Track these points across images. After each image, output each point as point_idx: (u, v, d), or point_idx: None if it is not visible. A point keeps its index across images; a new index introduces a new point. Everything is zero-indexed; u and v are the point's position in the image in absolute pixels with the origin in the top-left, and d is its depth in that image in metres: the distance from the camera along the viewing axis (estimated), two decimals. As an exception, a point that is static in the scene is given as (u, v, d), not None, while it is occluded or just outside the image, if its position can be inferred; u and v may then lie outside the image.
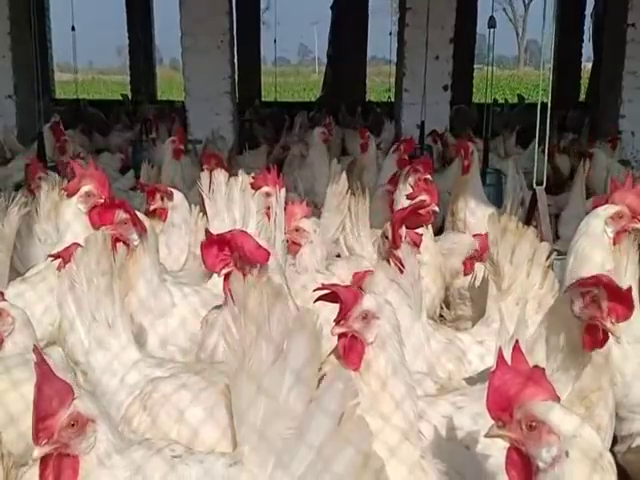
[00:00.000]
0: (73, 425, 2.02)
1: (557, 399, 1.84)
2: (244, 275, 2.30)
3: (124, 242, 3.31)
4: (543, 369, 1.91)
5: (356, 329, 2.38)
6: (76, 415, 2.02)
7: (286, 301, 2.15)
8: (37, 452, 1.99)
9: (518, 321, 2.40)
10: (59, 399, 2.02)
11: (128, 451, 2.10)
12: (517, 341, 1.96)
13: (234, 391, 2.19)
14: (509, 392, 1.83)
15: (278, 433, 1.98)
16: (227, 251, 2.82)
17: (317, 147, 8.22)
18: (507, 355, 1.93)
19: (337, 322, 2.40)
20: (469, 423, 2.50)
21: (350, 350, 2.37)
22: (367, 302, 2.40)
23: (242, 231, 2.94)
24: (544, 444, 1.76)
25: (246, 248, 2.80)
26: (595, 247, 3.37)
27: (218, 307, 3.00)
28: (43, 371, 2.06)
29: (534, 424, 1.78)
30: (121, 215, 3.32)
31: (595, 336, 2.53)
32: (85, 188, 3.89)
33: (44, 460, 2.03)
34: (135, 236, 3.35)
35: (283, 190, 3.72)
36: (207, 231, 3.05)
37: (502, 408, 1.83)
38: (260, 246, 2.85)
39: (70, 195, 3.93)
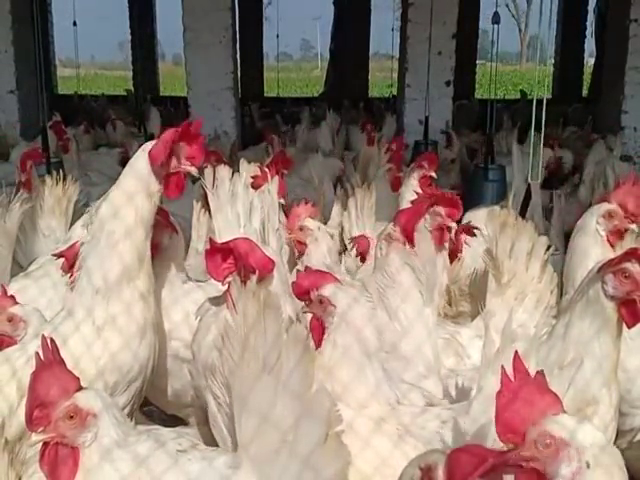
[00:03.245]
0: (72, 417, 2.03)
1: (562, 408, 1.80)
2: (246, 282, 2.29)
3: (156, 245, 3.32)
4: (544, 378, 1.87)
5: (315, 312, 2.55)
6: (74, 408, 2.03)
7: (279, 311, 2.14)
8: (33, 439, 2.01)
9: (504, 334, 2.35)
10: (60, 388, 2.03)
11: (134, 444, 2.11)
12: (516, 354, 1.89)
13: (233, 394, 2.16)
14: (519, 413, 1.76)
15: (270, 445, 1.96)
16: (231, 260, 2.78)
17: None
18: (496, 365, 1.94)
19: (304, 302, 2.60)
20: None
21: (312, 330, 2.55)
22: (324, 289, 2.53)
23: (246, 239, 2.89)
24: (564, 459, 1.71)
25: (250, 257, 2.76)
26: (589, 244, 3.43)
27: (214, 301, 2.97)
28: (48, 358, 2.07)
29: (550, 441, 1.72)
30: None
31: (633, 310, 2.53)
32: None
33: (44, 447, 2.05)
34: (165, 240, 3.39)
35: (276, 179, 3.72)
36: (211, 239, 3.03)
37: (513, 430, 1.76)
38: (265, 255, 2.82)
39: None
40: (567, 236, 4.16)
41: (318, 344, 2.52)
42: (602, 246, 3.42)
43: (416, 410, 2.54)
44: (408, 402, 2.70)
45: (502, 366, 1.85)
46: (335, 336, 2.50)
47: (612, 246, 3.43)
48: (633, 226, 3.43)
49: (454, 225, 3.83)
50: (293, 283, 2.68)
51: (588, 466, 1.69)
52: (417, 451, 2.29)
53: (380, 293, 3.12)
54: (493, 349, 2.32)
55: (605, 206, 3.48)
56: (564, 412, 1.79)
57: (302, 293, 2.59)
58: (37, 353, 2.08)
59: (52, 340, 2.14)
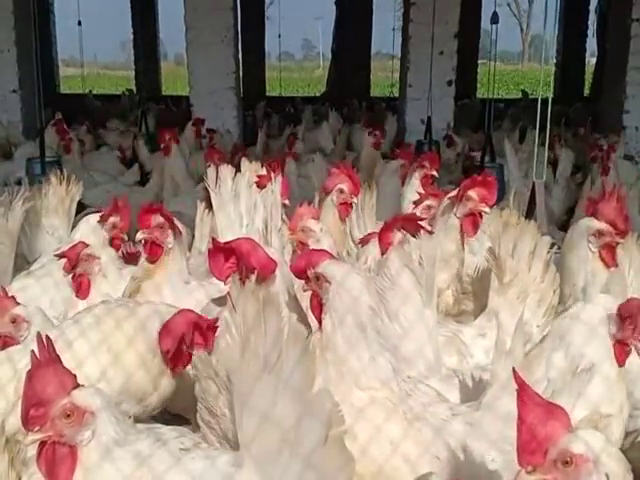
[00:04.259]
0: (69, 415, 2.01)
1: (572, 422, 1.80)
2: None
3: (159, 245, 3.44)
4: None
5: (314, 290, 2.58)
6: (71, 406, 2.01)
7: (279, 310, 2.13)
8: (29, 438, 1.99)
9: (515, 335, 2.39)
10: (57, 386, 2.01)
11: (134, 443, 2.10)
12: (518, 376, 1.85)
13: (234, 393, 2.14)
14: (539, 434, 1.75)
15: (272, 444, 1.95)
16: (233, 259, 2.79)
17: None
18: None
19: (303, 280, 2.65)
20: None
21: (312, 308, 2.61)
22: (321, 266, 2.56)
23: (248, 239, 2.89)
24: (583, 475, 1.72)
25: (252, 257, 2.76)
26: (581, 261, 3.55)
27: (217, 302, 2.97)
28: (44, 356, 2.05)
29: (569, 459, 1.73)
30: (158, 219, 3.45)
31: (623, 352, 2.57)
32: (113, 219, 4.09)
33: (41, 446, 2.03)
34: (170, 239, 3.48)
35: (279, 178, 3.72)
36: (213, 239, 3.03)
37: (533, 451, 1.75)
38: (267, 255, 2.82)
39: (102, 222, 4.12)
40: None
41: (319, 321, 2.55)
42: (594, 262, 3.53)
43: (427, 399, 2.54)
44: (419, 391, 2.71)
45: (516, 391, 1.82)
46: (333, 314, 2.51)
47: (603, 261, 3.52)
48: (623, 240, 3.49)
49: (488, 211, 3.70)
50: (291, 264, 2.72)
51: (607, 478, 1.71)
52: (426, 437, 2.34)
53: (380, 295, 3.11)
54: (504, 348, 2.35)
55: (594, 225, 3.54)
56: (575, 426, 1.79)
57: (300, 272, 2.63)
58: (33, 351, 2.06)
59: (48, 338, 2.11)
